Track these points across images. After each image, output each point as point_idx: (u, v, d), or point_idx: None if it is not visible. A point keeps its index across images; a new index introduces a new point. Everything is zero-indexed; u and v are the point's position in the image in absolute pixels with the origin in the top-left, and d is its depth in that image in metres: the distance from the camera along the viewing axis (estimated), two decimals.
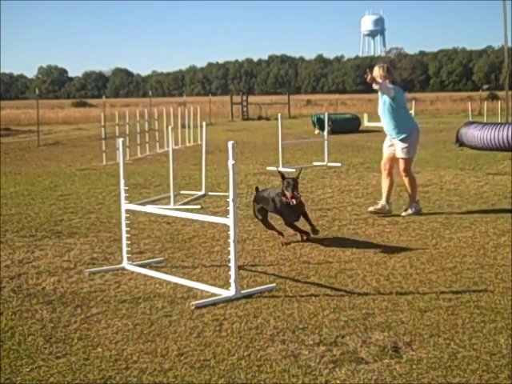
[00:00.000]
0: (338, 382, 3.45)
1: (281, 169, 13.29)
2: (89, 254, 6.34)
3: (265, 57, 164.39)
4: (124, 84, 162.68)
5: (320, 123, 23.23)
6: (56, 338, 4.12)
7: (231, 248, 4.88)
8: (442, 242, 6.58)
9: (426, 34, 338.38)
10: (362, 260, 5.97)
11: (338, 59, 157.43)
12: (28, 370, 3.65)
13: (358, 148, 17.67)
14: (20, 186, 11.34)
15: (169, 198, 9.28)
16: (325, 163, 14.07)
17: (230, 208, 4.86)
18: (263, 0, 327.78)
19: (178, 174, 11.07)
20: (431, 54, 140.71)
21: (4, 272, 5.72)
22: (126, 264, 5.79)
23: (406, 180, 8.16)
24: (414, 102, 34.40)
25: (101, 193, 10.40)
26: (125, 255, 5.83)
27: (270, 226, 7.03)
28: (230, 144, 4.83)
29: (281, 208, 6.75)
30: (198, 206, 9.05)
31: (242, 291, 4.94)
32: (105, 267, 5.81)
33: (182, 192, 10.22)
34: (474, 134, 16.52)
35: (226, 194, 5.13)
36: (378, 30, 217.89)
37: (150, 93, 44.94)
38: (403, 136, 7.99)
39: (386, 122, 8.14)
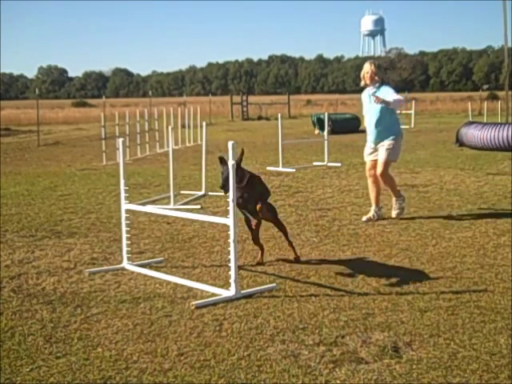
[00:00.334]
0: (338, 382, 3.45)
1: (281, 169, 13.32)
2: (89, 254, 6.34)
3: (265, 57, 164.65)
4: (124, 84, 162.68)
5: (320, 123, 23.24)
6: (56, 337, 4.12)
7: (231, 248, 4.88)
8: (442, 242, 6.58)
9: (426, 34, 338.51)
10: (362, 260, 5.97)
11: (338, 59, 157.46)
12: (28, 370, 3.65)
13: (357, 148, 17.63)
14: (20, 186, 11.34)
15: (169, 198, 9.28)
16: (325, 163, 14.07)
17: (230, 208, 4.86)
18: (263, 0, 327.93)
19: (178, 174, 11.07)
20: (431, 54, 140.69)
21: (4, 272, 5.72)
22: (125, 264, 5.79)
23: (383, 182, 7.87)
24: (414, 102, 34.40)
25: (101, 193, 10.40)
26: (125, 255, 5.83)
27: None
28: (229, 144, 4.83)
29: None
30: (198, 206, 9.05)
31: (242, 291, 4.94)
32: (105, 267, 5.81)
33: (182, 192, 10.22)
34: (474, 133, 16.52)
35: (226, 193, 5.13)
36: (378, 30, 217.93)
37: (150, 93, 44.97)
38: (392, 137, 7.75)
39: (374, 123, 7.80)
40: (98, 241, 6.92)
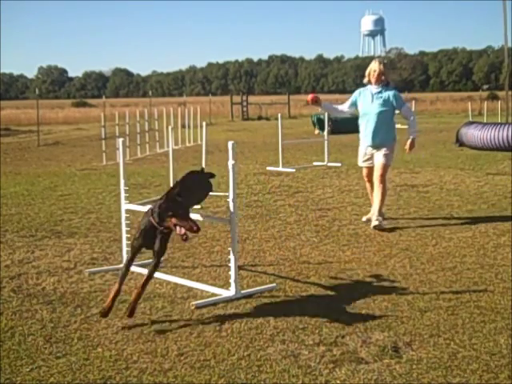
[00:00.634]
0: (338, 382, 3.45)
1: (281, 169, 13.32)
2: (89, 254, 6.34)
3: (265, 57, 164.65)
4: (124, 84, 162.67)
5: (320, 123, 23.25)
6: (56, 337, 4.12)
7: (231, 248, 4.88)
8: (442, 242, 6.58)
9: (426, 34, 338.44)
10: (361, 260, 5.97)
11: (338, 59, 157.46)
12: (28, 370, 3.65)
13: (358, 148, 17.62)
14: (20, 186, 11.33)
15: None
16: (325, 163, 14.07)
17: (230, 208, 4.86)
18: (263, 0, 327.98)
19: (178, 174, 11.05)
20: (431, 54, 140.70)
21: (4, 272, 5.72)
22: None
23: (379, 187, 7.50)
24: (414, 102, 34.41)
25: (101, 193, 10.40)
26: (125, 255, 5.82)
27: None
28: (229, 144, 4.83)
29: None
30: (198, 206, 9.04)
31: (242, 291, 4.94)
32: (105, 267, 5.81)
33: None
34: (474, 133, 16.52)
35: (226, 194, 5.13)
36: (378, 30, 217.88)
37: (150, 93, 44.96)
38: (392, 142, 7.59)
39: (374, 126, 7.52)
40: (98, 241, 6.92)
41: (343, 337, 4.05)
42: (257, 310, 4.61)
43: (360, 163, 7.91)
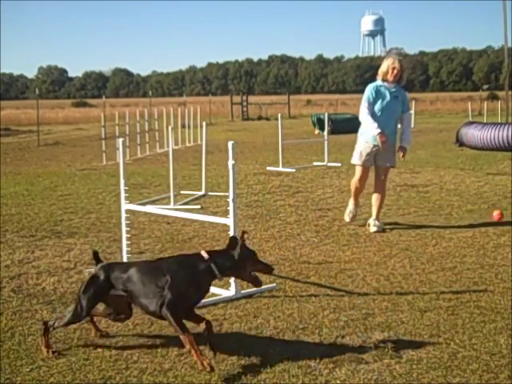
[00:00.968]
0: (338, 382, 3.45)
1: (281, 169, 13.32)
2: (89, 254, 6.32)
3: (265, 57, 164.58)
4: (124, 84, 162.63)
5: (320, 123, 23.25)
6: (56, 338, 4.12)
7: None
8: (442, 242, 6.58)
9: (426, 34, 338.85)
10: (361, 260, 5.97)
11: (338, 59, 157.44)
12: (28, 370, 3.65)
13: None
14: (20, 186, 11.33)
15: (169, 198, 9.28)
16: (325, 163, 14.07)
17: (230, 208, 4.86)
18: (263, 0, 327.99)
19: (178, 174, 11.07)
20: (431, 54, 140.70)
21: (4, 272, 5.72)
22: None
23: (383, 191, 7.45)
24: (413, 102, 34.40)
25: (101, 193, 10.40)
26: (125, 255, 5.82)
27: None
28: (229, 144, 4.83)
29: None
30: (198, 206, 9.05)
31: (242, 291, 4.94)
32: None
33: (182, 192, 10.22)
34: (474, 133, 16.52)
35: (226, 193, 5.13)
36: (378, 30, 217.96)
37: (150, 93, 45.00)
38: (394, 143, 7.46)
39: (394, 125, 7.36)
40: (98, 241, 6.92)
41: (343, 337, 4.05)
42: (257, 310, 4.61)
43: (359, 161, 7.36)
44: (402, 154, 7.39)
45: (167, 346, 3.95)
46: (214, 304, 4.72)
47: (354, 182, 7.55)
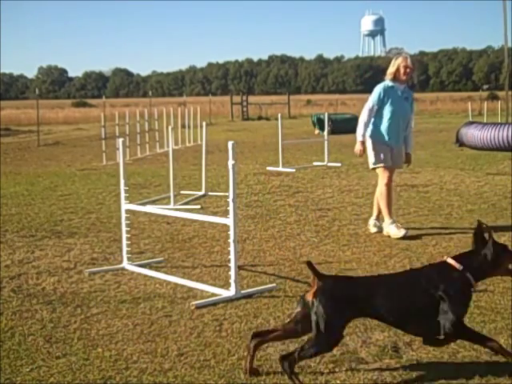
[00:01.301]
0: (338, 382, 3.45)
1: (281, 169, 13.32)
2: (89, 254, 6.34)
3: (265, 57, 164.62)
4: (124, 84, 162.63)
5: (320, 123, 23.25)
6: (56, 338, 4.12)
7: (231, 248, 4.88)
8: (441, 242, 6.57)
9: (426, 34, 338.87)
10: (361, 260, 5.97)
11: (338, 59, 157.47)
12: (28, 370, 3.65)
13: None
14: (20, 186, 11.33)
15: (169, 198, 9.28)
16: (325, 163, 14.07)
17: (230, 208, 4.86)
18: (263, 0, 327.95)
19: (178, 174, 11.07)
20: (431, 54, 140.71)
21: (4, 272, 5.72)
22: (125, 264, 5.79)
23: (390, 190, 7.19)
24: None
25: (101, 193, 10.40)
26: (125, 255, 5.82)
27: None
28: (229, 144, 4.83)
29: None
30: (198, 206, 9.05)
31: (242, 291, 4.94)
32: (105, 267, 5.81)
33: (182, 192, 10.22)
34: (474, 133, 16.52)
35: (226, 193, 5.13)
36: (378, 30, 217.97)
37: (150, 93, 44.99)
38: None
39: (405, 128, 7.21)
40: (98, 241, 6.92)
41: (343, 337, 4.04)
42: (257, 310, 4.61)
43: (382, 163, 7.04)
44: (407, 161, 7.29)
45: (167, 346, 3.95)
46: (214, 304, 4.72)
47: (382, 190, 7.04)
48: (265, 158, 15.70)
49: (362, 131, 7.04)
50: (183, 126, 21.49)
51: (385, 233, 6.92)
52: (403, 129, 7.16)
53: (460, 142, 17.49)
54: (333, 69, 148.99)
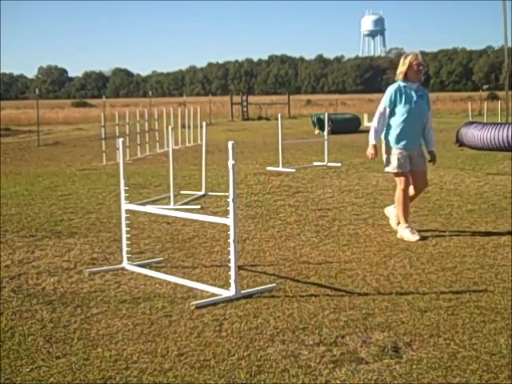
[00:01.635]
0: (338, 382, 3.45)
1: (281, 169, 13.32)
2: (89, 254, 6.34)
3: (265, 57, 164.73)
4: (124, 84, 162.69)
5: (320, 123, 23.24)
6: (56, 338, 4.12)
7: (231, 248, 4.88)
8: (441, 242, 6.57)
9: (426, 34, 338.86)
10: (361, 260, 5.97)
11: (338, 59, 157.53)
12: (28, 370, 3.65)
13: (357, 148, 17.62)
14: (20, 186, 11.33)
15: (169, 198, 9.28)
16: (325, 163, 14.07)
17: (230, 208, 4.86)
18: (263, 0, 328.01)
19: (178, 174, 11.07)
20: (431, 54, 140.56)
21: (4, 272, 5.72)
22: (125, 264, 5.79)
23: (418, 194, 7.17)
24: None
25: (101, 193, 10.40)
26: (125, 255, 5.83)
27: None
28: (229, 144, 4.83)
29: None
30: (198, 206, 9.05)
31: (242, 291, 4.94)
32: (105, 267, 5.81)
33: (182, 192, 10.22)
34: (474, 133, 16.52)
35: (226, 194, 5.13)
36: (378, 29, 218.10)
37: (150, 93, 44.95)
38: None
39: (422, 129, 7.00)
40: (98, 241, 6.92)
41: (343, 337, 4.05)
42: (257, 310, 4.61)
43: (399, 169, 6.81)
44: (432, 159, 7.10)
45: (167, 346, 3.95)
46: (214, 304, 4.72)
47: (399, 195, 6.88)
48: (265, 158, 15.70)
49: (374, 135, 6.89)
50: (183, 126, 21.49)
51: (398, 236, 6.87)
52: (421, 129, 6.93)
53: (460, 142, 17.49)
54: (333, 69, 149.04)
